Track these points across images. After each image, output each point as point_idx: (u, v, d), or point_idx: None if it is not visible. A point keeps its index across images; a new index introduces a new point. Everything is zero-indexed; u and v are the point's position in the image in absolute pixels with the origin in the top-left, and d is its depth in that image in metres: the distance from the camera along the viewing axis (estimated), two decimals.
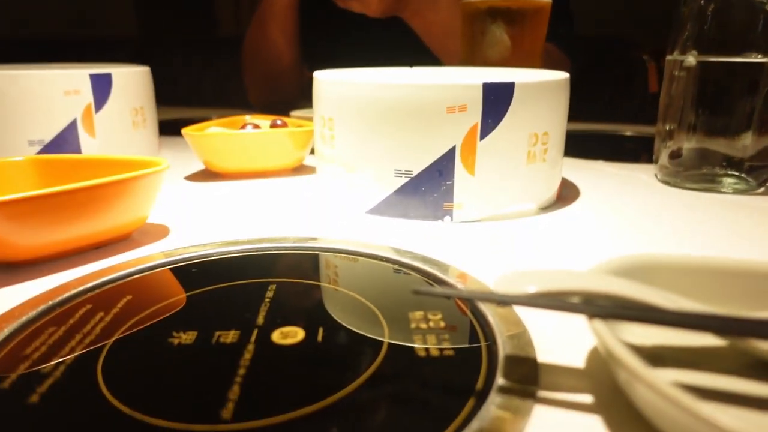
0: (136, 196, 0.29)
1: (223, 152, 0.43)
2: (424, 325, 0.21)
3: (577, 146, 0.52)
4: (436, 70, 0.46)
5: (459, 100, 0.31)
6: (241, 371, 0.18)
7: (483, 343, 0.20)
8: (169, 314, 0.22)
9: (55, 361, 0.19)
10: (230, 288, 0.25)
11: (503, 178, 0.33)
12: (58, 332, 0.21)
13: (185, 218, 0.34)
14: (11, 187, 0.32)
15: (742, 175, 0.41)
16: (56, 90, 0.42)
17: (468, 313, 0.22)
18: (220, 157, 0.43)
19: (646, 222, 0.34)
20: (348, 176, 0.35)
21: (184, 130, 0.42)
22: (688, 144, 0.42)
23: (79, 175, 0.32)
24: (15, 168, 0.32)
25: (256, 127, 0.45)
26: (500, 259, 0.28)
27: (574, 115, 0.37)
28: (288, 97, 0.91)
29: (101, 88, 0.45)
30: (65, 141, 0.44)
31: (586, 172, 0.47)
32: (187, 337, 0.20)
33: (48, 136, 0.43)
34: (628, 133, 0.68)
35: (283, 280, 0.25)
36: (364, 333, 0.20)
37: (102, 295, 0.24)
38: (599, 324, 0.15)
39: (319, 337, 0.20)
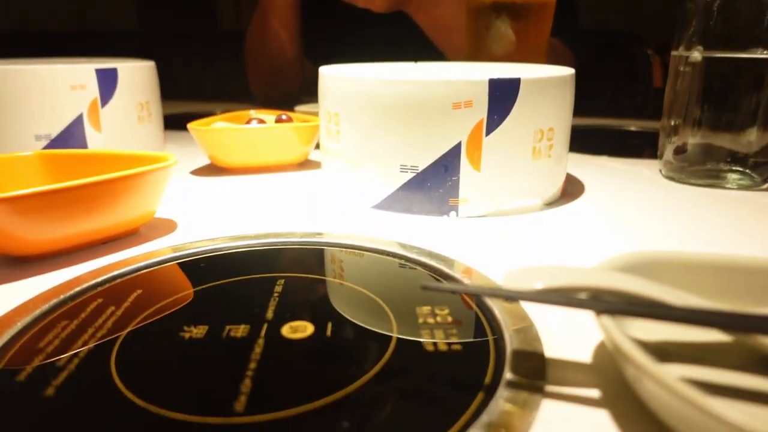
0: (145, 191, 0.29)
1: (228, 147, 0.43)
2: (431, 320, 0.21)
3: (581, 141, 0.52)
4: (441, 66, 0.46)
5: (465, 95, 0.31)
6: (252, 365, 0.18)
7: (490, 338, 0.20)
8: (179, 308, 0.22)
9: (69, 355, 0.19)
10: (239, 282, 0.25)
11: (509, 174, 0.33)
12: (70, 326, 0.21)
13: (192, 213, 0.35)
14: (20, 181, 0.32)
15: (747, 171, 0.41)
16: (62, 85, 0.43)
17: (475, 308, 0.22)
18: (226, 152, 0.43)
19: (650, 218, 0.34)
20: (354, 171, 0.35)
21: (189, 125, 0.43)
22: (693, 140, 0.42)
23: (86, 170, 0.32)
24: (23, 163, 0.32)
25: (262, 122, 0.45)
26: (506, 255, 0.28)
27: (577, 109, 0.37)
28: (290, 91, 0.91)
29: (107, 82, 0.45)
30: (71, 136, 0.44)
31: (590, 168, 0.47)
32: (198, 331, 0.21)
33: (54, 130, 0.43)
34: (632, 128, 0.68)
35: (291, 275, 0.25)
36: (372, 328, 0.21)
37: (113, 289, 0.24)
38: (607, 320, 0.16)
39: (328, 332, 0.20)
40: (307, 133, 0.44)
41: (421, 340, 0.20)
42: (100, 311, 0.22)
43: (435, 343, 0.20)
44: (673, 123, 0.43)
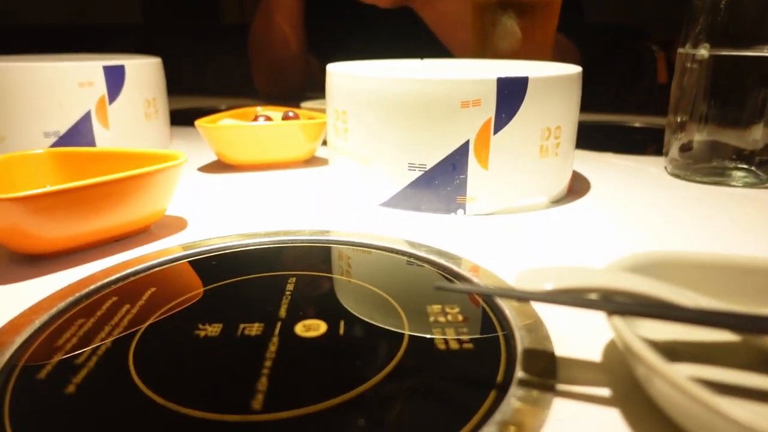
0: (156, 189, 0.29)
1: (236, 144, 0.43)
2: (442, 319, 0.22)
3: (587, 137, 0.53)
4: (448, 63, 0.46)
5: (473, 94, 0.31)
6: (268, 363, 0.19)
7: (501, 337, 0.20)
8: (193, 307, 0.23)
9: (87, 353, 0.19)
10: (250, 281, 0.25)
11: (516, 172, 0.33)
12: (87, 323, 0.21)
13: (201, 210, 0.35)
14: (31, 179, 0.32)
15: (753, 168, 0.41)
16: (70, 82, 0.43)
17: (485, 307, 0.22)
18: (234, 149, 0.43)
19: (656, 216, 0.34)
20: (362, 169, 0.35)
21: (197, 123, 0.43)
22: (699, 136, 0.42)
23: (97, 168, 0.32)
24: (35, 161, 0.33)
25: (269, 119, 0.45)
26: (514, 253, 0.29)
27: (582, 105, 0.37)
28: (294, 86, 0.91)
29: (114, 79, 0.45)
30: (80, 132, 0.44)
31: (596, 165, 0.47)
32: (213, 330, 0.21)
33: (63, 127, 0.43)
34: (637, 125, 0.68)
35: (302, 273, 0.26)
36: (384, 326, 0.21)
37: (127, 288, 0.24)
38: (618, 320, 0.16)
39: (341, 330, 0.21)
40: (314, 130, 0.44)
41: (433, 338, 0.20)
42: (115, 309, 0.22)
43: (446, 342, 0.20)
44: (679, 120, 0.43)
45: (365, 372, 0.18)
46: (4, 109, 0.42)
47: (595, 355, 0.19)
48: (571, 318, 0.21)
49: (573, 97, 0.35)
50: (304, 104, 0.56)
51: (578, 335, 0.20)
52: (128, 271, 0.26)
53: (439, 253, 0.28)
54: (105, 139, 0.46)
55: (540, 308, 0.22)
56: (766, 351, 0.17)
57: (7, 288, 0.24)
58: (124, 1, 1.73)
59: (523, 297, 0.17)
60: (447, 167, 0.33)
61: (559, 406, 0.17)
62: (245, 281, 0.25)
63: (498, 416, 0.16)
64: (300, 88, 0.91)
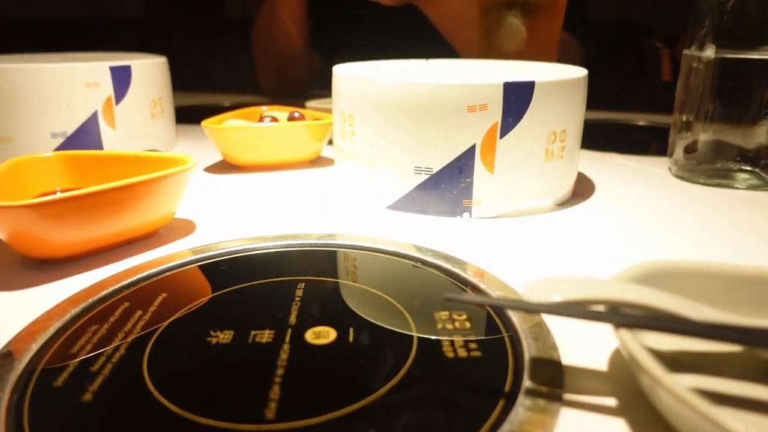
0: (166, 193, 0.29)
1: (242, 145, 0.43)
2: (450, 326, 0.22)
3: (590, 136, 0.52)
4: (454, 64, 0.46)
5: (480, 99, 0.32)
6: (280, 371, 0.19)
7: (508, 345, 0.21)
8: (204, 313, 0.23)
9: (102, 360, 0.20)
10: (260, 286, 0.25)
11: (522, 175, 0.34)
12: (101, 330, 0.22)
13: (208, 213, 0.35)
14: (41, 182, 0.32)
15: (757, 170, 0.41)
16: (78, 83, 0.43)
17: (492, 314, 0.23)
18: (240, 150, 0.44)
19: (660, 219, 0.35)
20: (368, 172, 0.36)
21: (203, 124, 0.43)
22: (704, 136, 0.42)
23: (105, 171, 0.33)
24: (44, 163, 0.33)
25: (274, 119, 0.46)
26: (520, 258, 0.29)
27: (586, 103, 0.37)
28: (298, 82, 0.91)
29: (121, 80, 0.45)
30: (87, 133, 0.44)
31: (600, 166, 0.47)
32: (225, 337, 0.21)
33: (70, 128, 0.44)
34: (641, 123, 0.69)
35: (311, 278, 0.26)
36: (392, 335, 0.21)
37: (138, 293, 0.25)
38: (625, 333, 0.16)
39: (350, 338, 0.21)
40: (320, 131, 0.44)
41: (442, 346, 0.20)
42: (128, 315, 0.23)
43: (455, 350, 0.20)
44: (684, 119, 0.43)
45: (375, 381, 0.18)
46: (11, 110, 0.42)
47: (601, 363, 0.20)
48: (577, 326, 0.22)
49: (579, 101, 0.35)
50: (309, 103, 0.56)
51: (584, 343, 0.21)
52: (139, 276, 0.26)
53: (446, 257, 0.28)
54: (111, 139, 0.46)
55: (547, 316, 0.22)
56: None
57: (20, 293, 0.25)
58: None
59: (533, 309, 0.17)
60: (453, 171, 0.33)
61: (566, 416, 0.17)
62: (255, 286, 0.25)
63: (506, 426, 0.16)
64: (303, 84, 0.91)
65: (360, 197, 0.37)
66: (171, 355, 0.20)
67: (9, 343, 0.21)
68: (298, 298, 0.24)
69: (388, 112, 0.34)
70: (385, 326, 0.22)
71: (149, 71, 0.48)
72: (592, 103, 0.37)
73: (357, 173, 0.37)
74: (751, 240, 0.31)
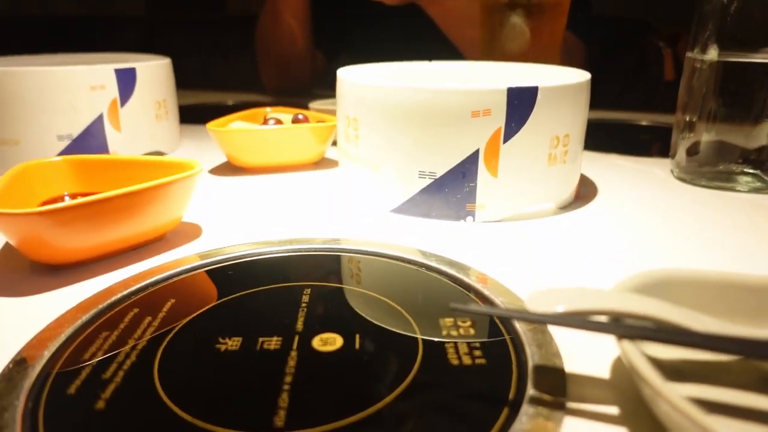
0: (174, 198, 0.30)
1: (247, 148, 0.44)
2: (454, 332, 0.22)
3: (592, 136, 0.52)
4: (456, 66, 0.47)
5: (484, 104, 0.32)
6: (288, 378, 0.19)
7: (512, 352, 0.21)
8: (212, 319, 0.23)
9: (114, 368, 0.20)
10: (267, 292, 0.26)
11: (525, 179, 0.34)
12: (111, 336, 0.22)
13: (214, 216, 0.36)
14: (49, 186, 0.33)
15: (759, 173, 0.41)
16: (83, 85, 0.43)
17: (496, 321, 0.23)
18: (245, 152, 0.44)
19: (662, 223, 0.35)
20: (372, 175, 0.36)
21: (208, 126, 0.43)
22: (707, 137, 0.42)
23: (112, 176, 0.33)
24: (52, 168, 0.33)
25: (279, 122, 0.46)
26: (523, 262, 0.29)
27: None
28: (301, 81, 0.91)
29: (126, 82, 0.46)
30: (92, 135, 0.45)
31: (602, 167, 0.47)
32: (233, 344, 0.22)
33: (76, 131, 0.44)
34: (643, 123, 0.69)
35: (317, 283, 0.26)
36: (398, 341, 0.22)
37: (147, 299, 0.25)
38: (627, 344, 0.17)
39: (357, 345, 0.21)
40: (324, 134, 0.45)
41: (447, 353, 0.21)
42: (137, 322, 0.23)
43: (459, 357, 0.21)
44: (687, 118, 0.43)
45: (382, 388, 0.19)
46: (18, 113, 0.42)
47: (603, 371, 0.20)
48: (579, 334, 0.22)
49: (582, 105, 0.36)
50: (313, 104, 0.56)
51: (586, 350, 0.21)
52: (147, 281, 0.27)
53: (450, 263, 0.29)
54: (117, 141, 0.46)
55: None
56: None
57: (30, 299, 0.25)
58: None
59: (538, 320, 0.17)
60: (457, 175, 0.33)
61: (569, 425, 0.17)
62: (261, 292, 0.26)
63: None
64: (306, 83, 0.91)
65: (364, 200, 0.37)
66: (181, 362, 0.21)
67: (22, 349, 0.21)
68: (304, 304, 0.25)
69: (393, 117, 0.34)
70: (391, 333, 0.22)
71: (154, 73, 0.48)
72: (593, 102, 0.37)
73: (361, 176, 0.37)
74: (753, 244, 0.32)
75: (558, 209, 0.37)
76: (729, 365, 0.19)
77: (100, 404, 0.18)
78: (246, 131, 0.44)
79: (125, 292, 0.26)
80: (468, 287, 0.26)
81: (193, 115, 0.65)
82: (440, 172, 0.34)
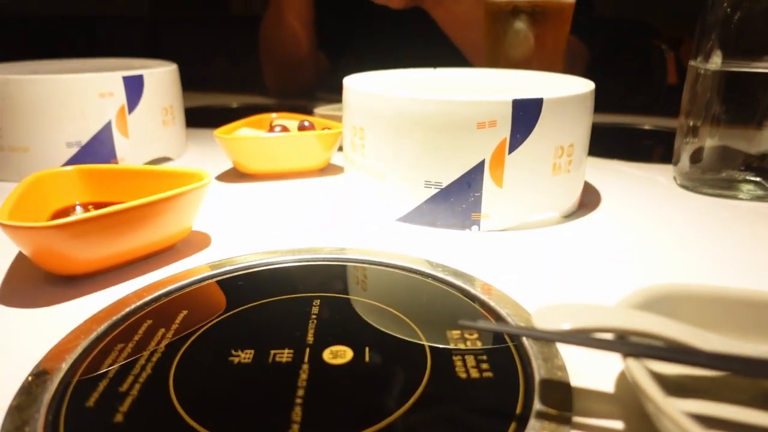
0: (185, 209, 0.30)
1: (254, 155, 0.44)
2: (462, 345, 0.23)
3: (595, 141, 0.52)
4: (461, 74, 0.47)
5: (489, 116, 0.32)
6: (300, 392, 0.20)
7: (519, 365, 0.21)
8: (225, 331, 0.24)
9: (130, 380, 0.21)
10: (277, 303, 0.26)
11: (529, 189, 0.34)
12: (126, 349, 0.23)
13: (222, 225, 0.36)
14: (60, 196, 0.33)
15: (761, 181, 0.41)
16: (91, 93, 0.44)
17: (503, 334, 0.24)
18: (252, 159, 0.44)
19: (665, 232, 0.35)
20: (379, 184, 0.36)
21: (216, 134, 0.44)
22: (711, 142, 0.42)
23: (122, 185, 0.34)
24: (63, 178, 0.34)
25: (285, 129, 0.46)
26: (528, 271, 0.30)
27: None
28: (305, 84, 0.91)
29: (134, 89, 0.46)
30: (100, 142, 0.45)
31: (605, 174, 0.48)
32: (246, 356, 0.22)
33: (84, 137, 0.44)
34: (646, 127, 0.69)
35: (326, 294, 0.27)
36: (407, 354, 0.22)
37: (160, 310, 0.26)
38: (632, 362, 0.17)
39: (367, 357, 0.22)
40: (330, 141, 0.45)
41: (455, 366, 0.21)
42: (152, 333, 0.24)
43: (467, 371, 0.21)
44: (691, 123, 0.43)
45: (392, 402, 0.19)
46: (28, 120, 0.43)
47: (608, 385, 0.20)
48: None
49: (586, 115, 0.36)
50: (318, 110, 0.56)
51: (591, 364, 0.21)
52: (160, 292, 0.27)
53: (456, 273, 0.29)
54: (124, 147, 0.47)
55: None
56: None
57: (46, 310, 0.26)
58: None
59: (544, 338, 0.18)
60: (462, 185, 0.34)
61: None
62: (271, 303, 0.26)
63: None
64: (310, 85, 0.91)
65: (370, 209, 0.38)
66: (196, 375, 0.21)
67: (40, 362, 0.22)
68: (314, 316, 0.25)
69: (399, 127, 0.34)
70: (400, 346, 0.23)
71: (161, 79, 0.49)
72: (595, 106, 0.38)
73: (367, 185, 0.37)
74: (755, 256, 0.32)
75: (562, 218, 0.37)
76: (731, 381, 0.19)
77: (119, 417, 0.19)
78: (253, 139, 0.44)
79: (139, 303, 0.26)
80: (474, 298, 0.27)
81: (198, 119, 0.65)
82: (446, 182, 0.34)
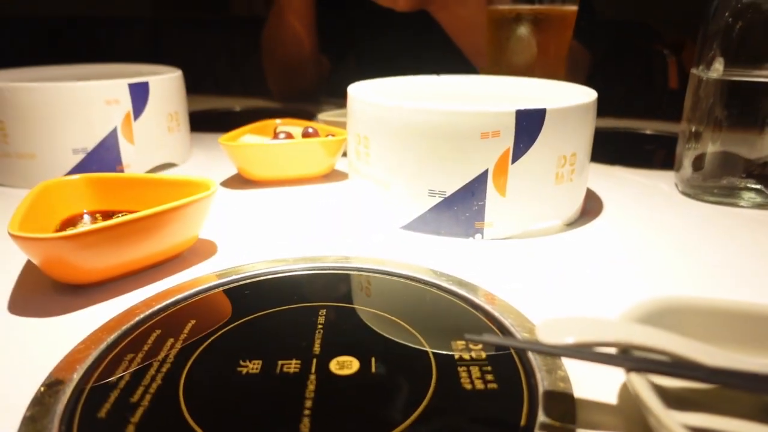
0: (192, 218, 0.31)
1: (259, 162, 0.45)
2: (466, 356, 0.23)
3: (596, 146, 0.53)
4: (464, 81, 0.47)
5: (493, 126, 0.33)
6: (308, 403, 0.20)
7: (523, 377, 0.22)
8: (232, 341, 0.24)
9: (141, 391, 0.21)
10: (283, 312, 0.27)
11: (533, 198, 0.35)
12: (136, 359, 0.23)
13: (228, 232, 0.36)
14: (68, 204, 0.34)
15: (762, 188, 0.42)
16: (97, 100, 0.44)
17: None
18: (256, 166, 0.45)
19: (667, 240, 0.36)
20: (383, 192, 0.37)
21: (221, 141, 0.44)
22: (713, 148, 0.42)
23: (129, 194, 0.34)
24: (71, 186, 0.34)
25: (289, 135, 0.47)
26: (531, 279, 0.30)
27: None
28: (306, 86, 0.92)
29: (139, 96, 0.46)
30: (106, 149, 0.45)
31: (607, 181, 0.48)
32: (254, 367, 0.22)
33: (90, 144, 0.45)
34: (647, 132, 0.69)
35: (331, 304, 0.27)
36: (412, 365, 0.23)
37: (168, 319, 0.26)
38: (635, 376, 0.17)
39: (373, 368, 0.22)
40: (334, 147, 0.45)
41: (460, 378, 0.22)
42: (161, 343, 0.24)
43: (472, 382, 0.21)
44: (693, 129, 0.44)
45: (399, 413, 0.20)
46: (34, 127, 0.43)
47: (611, 396, 0.21)
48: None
49: (588, 124, 0.36)
50: (321, 116, 0.57)
51: (594, 375, 0.22)
52: (168, 301, 0.27)
53: (461, 283, 0.29)
54: (130, 153, 0.47)
55: None
56: None
57: (55, 320, 0.26)
58: None
59: (549, 352, 0.18)
60: (466, 194, 0.34)
61: None
62: (278, 313, 0.27)
63: None
64: (312, 88, 0.92)
65: (374, 217, 0.38)
66: (205, 385, 0.21)
67: (52, 372, 0.22)
68: (320, 326, 0.25)
69: (403, 137, 0.35)
70: (405, 356, 0.23)
71: (166, 86, 0.49)
72: (597, 110, 0.38)
73: (372, 193, 0.38)
74: (756, 265, 0.32)
75: (564, 226, 0.37)
76: (732, 394, 0.20)
77: (131, 429, 0.19)
78: (258, 146, 0.44)
79: (147, 313, 0.26)
80: (478, 308, 0.27)
81: (201, 123, 0.66)
82: (450, 190, 0.34)
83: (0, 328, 0.26)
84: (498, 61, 0.53)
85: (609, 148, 0.60)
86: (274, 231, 0.37)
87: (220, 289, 0.29)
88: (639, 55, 0.86)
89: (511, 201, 0.34)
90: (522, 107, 0.32)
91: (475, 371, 0.22)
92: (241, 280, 0.30)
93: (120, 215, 0.33)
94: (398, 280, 0.30)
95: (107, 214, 0.34)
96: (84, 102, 0.44)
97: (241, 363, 0.23)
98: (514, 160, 0.33)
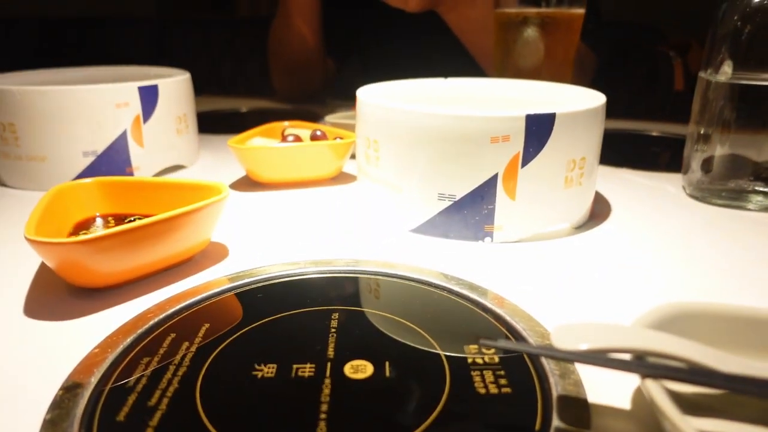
0: (204, 223, 0.31)
1: (267, 164, 0.45)
2: (479, 360, 0.23)
3: (603, 148, 0.53)
4: (473, 84, 0.47)
5: (503, 130, 0.33)
6: (324, 407, 0.20)
7: (536, 381, 0.22)
8: (247, 345, 0.24)
9: (158, 395, 0.21)
10: (296, 316, 0.27)
11: (542, 202, 0.35)
12: (152, 362, 0.23)
13: (238, 235, 0.37)
14: (81, 208, 0.34)
15: None
16: (107, 103, 0.44)
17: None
18: (265, 168, 0.45)
19: (675, 243, 0.36)
20: (393, 196, 0.37)
21: (229, 143, 0.44)
22: (721, 150, 0.42)
23: (141, 198, 0.34)
24: (84, 190, 0.34)
25: (298, 138, 0.47)
26: (540, 282, 0.30)
27: None
28: (312, 86, 0.92)
29: (149, 99, 0.47)
30: (116, 151, 0.46)
31: (615, 183, 0.48)
32: (269, 371, 0.23)
33: (100, 147, 0.45)
34: (654, 133, 0.69)
35: (344, 307, 0.27)
36: (425, 369, 0.23)
37: (183, 323, 0.26)
38: (650, 382, 0.18)
39: (387, 372, 0.22)
40: (342, 150, 0.46)
41: (473, 382, 0.22)
42: (176, 347, 0.24)
43: (486, 386, 0.22)
44: (702, 131, 0.44)
45: (414, 418, 0.20)
46: (45, 130, 0.43)
47: (624, 401, 0.21)
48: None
49: (598, 128, 0.36)
50: (329, 118, 0.57)
51: (607, 380, 0.22)
52: (182, 305, 0.28)
53: (471, 287, 0.30)
54: (139, 156, 0.47)
55: None
56: None
57: (70, 323, 0.26)
58: None
59: (563, 358, 0.18)
60: (476, 198, 0.34)
61: None
62: (291, 316, 0.27)
63: None
64: (317, 89, 0.92)
65: (384, 220, 0.38)
66: (221, 389, 0.22)
67: (70, 375, 0.22)
68: (333, 329, 0.26)
69: (413, 141, 0.35)
70: (418, 360, 0.23)
71: (175, 89, 0.49)
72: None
73: (381, 196, 0.38)
74: (765, 266, 0.32)
75: (573, 229, 0.38)
76: (747, 399, 0.20)
77: None
78: (267, 149, 0.45)
79: (161, 316, 0.27)
80: (488, 311, 0.27)
81: (208, 124, 0.66)
82: (459, 194, 0.34)
83: (17, 331, 0.26)
84: (505, 63, 0.53)
85: (615, 150, 0.60)
86: (284, 234, 0.37)
87: (233, 292, 0.29)
88: (644, 56, 0.86)
89: (520, 205, 0.34)
90: (532, 112, 0.33)
91: (488, 375, 0.22)
92: (253, 284, 0.30)
93: (132, 219, 0.34)
94: (409, 284, 0.30)
95: (119, 218, 0.35)
96: (94, 105, 0.44)
97: (257, 367, 0.23)
98: (523, 164, 0.33)
